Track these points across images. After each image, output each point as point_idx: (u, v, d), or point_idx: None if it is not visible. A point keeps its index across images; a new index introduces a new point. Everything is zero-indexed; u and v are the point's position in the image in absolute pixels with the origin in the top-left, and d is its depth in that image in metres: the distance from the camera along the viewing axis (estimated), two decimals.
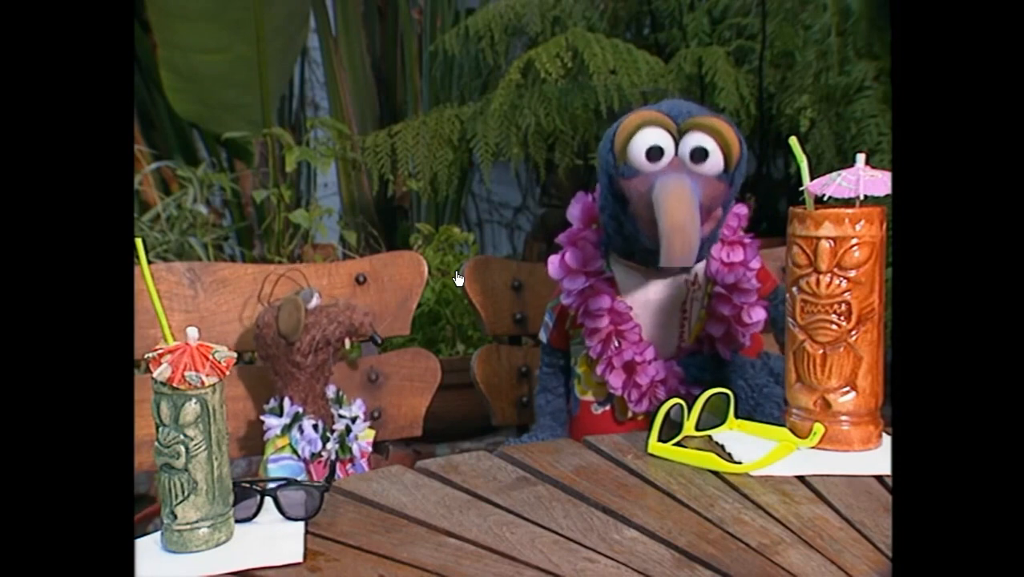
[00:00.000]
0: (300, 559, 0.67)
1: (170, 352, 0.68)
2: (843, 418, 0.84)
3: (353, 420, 1.11)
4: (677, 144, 0.94)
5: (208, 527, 0.69)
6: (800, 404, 0.86)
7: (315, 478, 1.06)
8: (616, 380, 1.01)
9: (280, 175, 2.52)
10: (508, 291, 1.26)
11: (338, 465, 1.09)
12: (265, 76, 2.55)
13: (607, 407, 1.05)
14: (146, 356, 0.68)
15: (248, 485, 0.75)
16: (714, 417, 0.91)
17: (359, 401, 1.14)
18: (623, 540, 0.70)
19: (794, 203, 0.87)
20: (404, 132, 2.30)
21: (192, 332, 0.69)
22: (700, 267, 1.03)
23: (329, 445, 1.08)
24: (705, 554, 0.67)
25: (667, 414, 0.87)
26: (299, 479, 0.90)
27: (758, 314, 1.01)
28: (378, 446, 1.21)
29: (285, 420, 1.08)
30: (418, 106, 2.97)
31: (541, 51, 2.00)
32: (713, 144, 0.93)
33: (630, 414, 1.03)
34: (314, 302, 1.08)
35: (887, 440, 0.86)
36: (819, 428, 0.85)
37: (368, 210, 2.90)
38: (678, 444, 0.87)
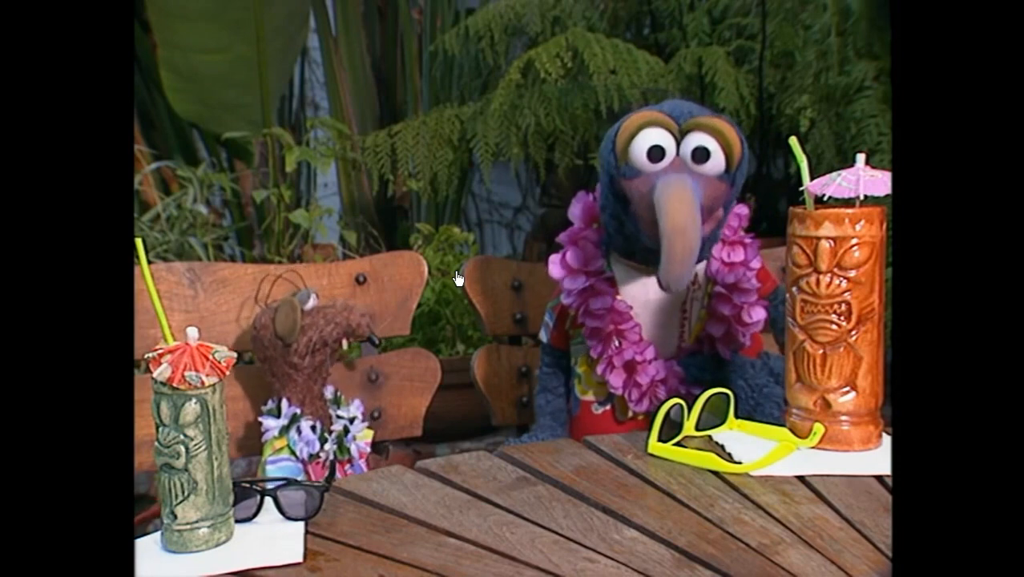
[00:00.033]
0: (300, 559, 0.67)
1: (170, 352, 0.68)
2: (843, 418, 0.84)
3: (351, 421, 1.11)
4: (678, 144, 0.94)
5: (208, 527, 0.69)
6: (800, 404, 0.86)
7: (313, 479, 1.06)
8: (616, 380, 1.01)
9: (280, 175, 2.52)
10: (508, 291, 1.26)
11: (337, 466, 1.09)
12: (265, 76, 2.55)
13: (607, 407, 1.05)
14: (146, 356, 0.68)
15: (248, 485, 0.75)
16: (714, 417, 0.91)
17: (357, 401, 1.14)
18: (623, 540, 0.70)
19: (794, 203, 0.87)
20: (404, 132, 2.30)
21: (192, 332, 0.69)
22: (700, 267, 1.03)
23: (327, 446, 1.08)
24: (705, 554, 0.67)
25: (667, 414, 0.87)
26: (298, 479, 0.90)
27: (758, 314, 1.01)
28: (378, 446, 1.21)
29: (283, 421, 1.07)
30: (418, 106, 2.97)
31: (541, 51, 2.00)
32: (715, 144, 0.93)
33: (630, 414, 1.03)
34: (311, 303, 1.08)
35: (887, 440, 0.86)
36: (819, 428, 0.85)
37: (368, 210, 2.90)
38: (678, 444, 0.87)
